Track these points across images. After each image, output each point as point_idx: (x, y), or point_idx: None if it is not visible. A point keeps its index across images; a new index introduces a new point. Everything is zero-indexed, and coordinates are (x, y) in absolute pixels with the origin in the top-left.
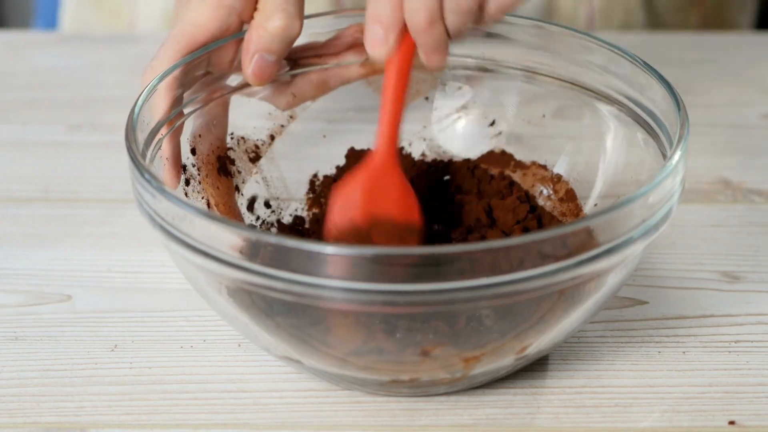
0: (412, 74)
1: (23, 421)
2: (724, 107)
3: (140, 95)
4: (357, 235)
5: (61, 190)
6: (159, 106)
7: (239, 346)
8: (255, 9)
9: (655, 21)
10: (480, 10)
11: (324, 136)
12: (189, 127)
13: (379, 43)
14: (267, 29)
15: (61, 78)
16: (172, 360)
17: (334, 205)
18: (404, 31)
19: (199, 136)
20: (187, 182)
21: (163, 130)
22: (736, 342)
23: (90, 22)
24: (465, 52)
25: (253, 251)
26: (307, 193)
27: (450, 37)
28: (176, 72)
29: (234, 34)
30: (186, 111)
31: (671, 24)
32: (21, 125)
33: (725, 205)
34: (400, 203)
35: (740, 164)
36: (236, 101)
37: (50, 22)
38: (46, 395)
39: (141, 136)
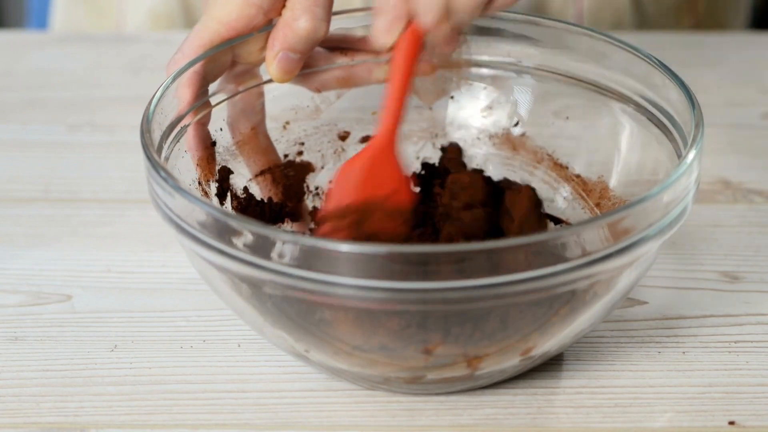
0: (438, 73)
1: (23, 421)
2: (724, 107)
3: (158, 89)
4: (350, 214)
5: (61, 190)
6: (180, 98)
7: (239, 346)
8: (283, 6)
9: (645, 24)
10: (485, 6)
11: (348, 132)
12: (213, 119)
13: (383, 33)
14: (293, 29)
15: (61, 78)
16: (172, 360)
17: (334, 185)
18: (411, 20)
19: (221, 129)
20: None
21: (185, 121)
22: (736, 342)
23: (80, 22)
24: (489, 52)
25: (266, 248)
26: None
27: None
28: (197, 66)
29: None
30: (211, 103)
31: (662, 27)
32: (21, 125)
33: (725, 205)
34: (392, 186)
35: (740, 164)
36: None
37: (44, 21)
38: (46, 395)
39: (157, 130)
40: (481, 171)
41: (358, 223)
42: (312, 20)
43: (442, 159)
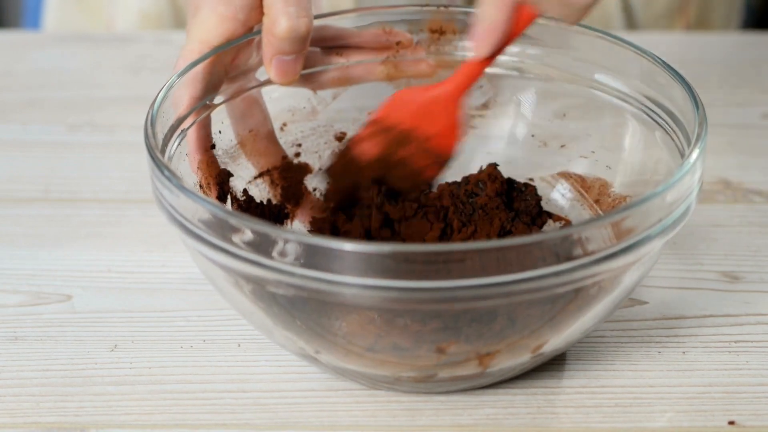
0: (437, 73)
1: (23, 421)
2: (724, 107)
3: (160, 90)
4: (393, 132)
5: (61, 190)
6: (180, 101)
7: (239, 346)
8: (260, 12)
9: (633, 27)
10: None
11: (344, 134)
12: (213, 122)
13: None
14: (275, 34)
15: (61, 78)
16: (172, 360)
17: (388, 102)
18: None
19: (220, 132)
20: None
21: (186, 124)
22: (736, 342)
23: (72, 21)
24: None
25: (271, 247)
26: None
27: None
28: (197, 67)
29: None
30: (210, 106)
31: (651, 31)
32: (21, 125)
33: (725, 205)
34: (442, 128)
35: (740, 164)
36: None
37: (38, 21)
38: (46, 395)
39: (160, 132)
40: (495, 165)
41: (397, 143)
42: (288, 20)
43: None
